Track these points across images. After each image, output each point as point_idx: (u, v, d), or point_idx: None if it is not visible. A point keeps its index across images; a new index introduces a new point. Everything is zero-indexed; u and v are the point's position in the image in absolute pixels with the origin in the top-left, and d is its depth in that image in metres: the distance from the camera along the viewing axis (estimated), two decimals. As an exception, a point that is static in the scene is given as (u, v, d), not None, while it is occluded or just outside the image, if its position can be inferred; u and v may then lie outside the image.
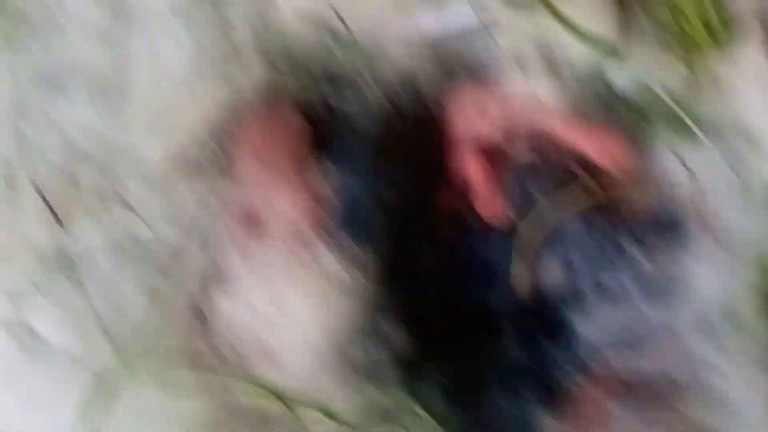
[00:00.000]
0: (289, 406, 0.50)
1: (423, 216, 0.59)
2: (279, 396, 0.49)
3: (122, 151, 0.56)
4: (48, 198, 0.55)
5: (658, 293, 0.56)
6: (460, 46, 0.59)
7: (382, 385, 0.55)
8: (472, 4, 0.58)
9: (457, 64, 0.59)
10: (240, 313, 0.55)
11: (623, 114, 0.58)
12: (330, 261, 0.56)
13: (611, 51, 0.53)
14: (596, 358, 0.57)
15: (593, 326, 0.57)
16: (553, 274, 0.58)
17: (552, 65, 0.57)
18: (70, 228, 0.55)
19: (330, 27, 0.57)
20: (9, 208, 0.55)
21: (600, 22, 0.55)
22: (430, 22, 0.58)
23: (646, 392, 0.56)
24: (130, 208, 0.55)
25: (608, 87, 0.58)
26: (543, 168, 0.58)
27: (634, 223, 0.57)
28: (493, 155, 0.59)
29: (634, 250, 0.56)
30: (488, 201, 0.58)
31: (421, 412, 0.53)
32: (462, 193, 0.59)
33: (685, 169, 0.54)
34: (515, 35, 0.57)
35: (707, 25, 0.56)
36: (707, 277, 0.55)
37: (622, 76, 0.57)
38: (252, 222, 0.57)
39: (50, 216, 0.55)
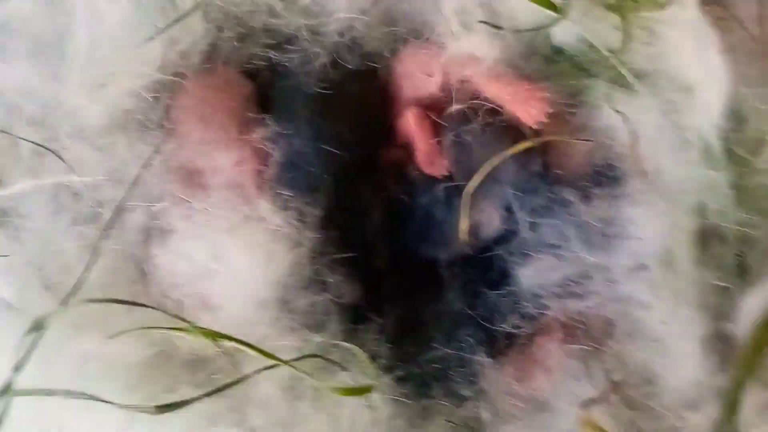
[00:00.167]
0: (222, 346, 0.48)
1: (366, 170, 0.59)
2: (214, 335, 0.47)
3: (61, 109, 0.55)
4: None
5: (596, 239, 0.55)
6: (403, 4, 0.58)
7: (324, 332, 0.53)
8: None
9: (401, 22, 0.59)
10: (180, 266, 0.54)
11: (562, 67, 0.57)
12: (271, 214, 0.55)
13: (553, 8, 0.53)
14: (536, 304, 0.57)
15: (533, 273, 0.57)
16: (493, 224, 0.57)
17: (493, 22, 0.56)
18: (7, 185, 0.53)
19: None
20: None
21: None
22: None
23: (585, 334, 0.56)
24: (69, 166, 0.53)
25: (548, 41, 0.57)
26: (480, 122, 0.57)
27: (573, 171, 0.57)
28: (434, 111, 0.59)
29: (572, 198, 0.56)
30: (429, 156, 0.58)
31: (363, 356, 0.51)
32: (404, 147, 0.59)
33: (623, 118, 0.54)
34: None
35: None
36: (644, 223, 0.55)
37: (562, 31, 0.56)
38: (193, 178, 0.56)
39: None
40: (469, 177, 0.57)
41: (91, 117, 0.56)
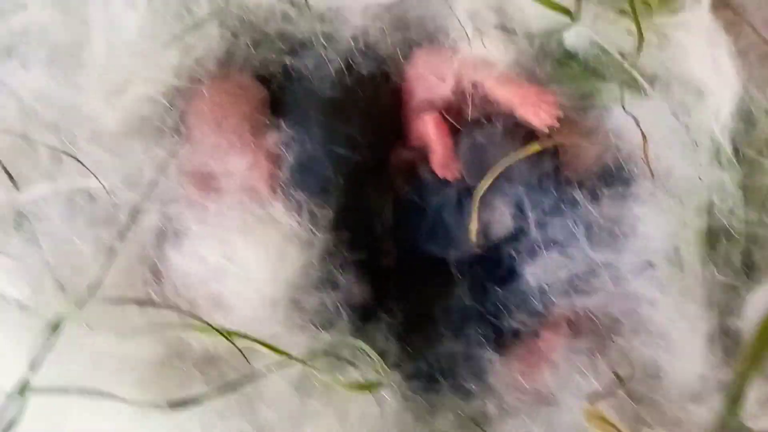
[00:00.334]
0: (235, 343, 0.48)
1: (378, 171, 0.59)
2: (226, 334, 0.47)
3: (78, 115, 0.55)
4: (4, 160, 0.53)
5: (604, 238, 0.55)
6: (416, 8, 0.58)
7: (335, 329, 0.53)
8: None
9: (414, 26, 0.59)
10: (194, 267, 0.54)
11: (574, 70, 0.57)
12: (283, 215, 0.55)
13: (566, 12, 0.53)
14: (544, 300, 0.57)
15: (541, 271, 0.56)
16: (503, 222, 0.57)
17: (506, 26, 0.56)
18: (25, 189, 0.53)
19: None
20: (-34, 171, 0.54)
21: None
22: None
23: (591, 330, 0.55)
24: (89, 170, 0.54)
25: (560, 45, 0.57)
26: (492, 125, 0.57)
27: (583, 172, 0.57)
28: (447, 114, 0.59)
29: (581, 198, 0.55)
30: (444, 159, 0.58)
31: (372, 353, 0.51)
32: (416, 149, 0.59)
33: (633, 120, 0.53)
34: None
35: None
36: (652, 221, 0.55)
37: (574, 35, 0.56)
38: (206, 181, 0.56)
39: (5, 177, 0.53)
40: (479, 178, 0.57)
41: (108, 122, 0.56)
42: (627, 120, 0.56)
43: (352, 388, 0.50)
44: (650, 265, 0.54)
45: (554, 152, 0.58)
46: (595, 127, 0.58)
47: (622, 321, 0.55)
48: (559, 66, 0.59)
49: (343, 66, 0.59)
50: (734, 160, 0.55)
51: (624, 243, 0.55)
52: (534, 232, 0.57)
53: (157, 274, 0.55)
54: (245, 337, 0.49)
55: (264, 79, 0.60)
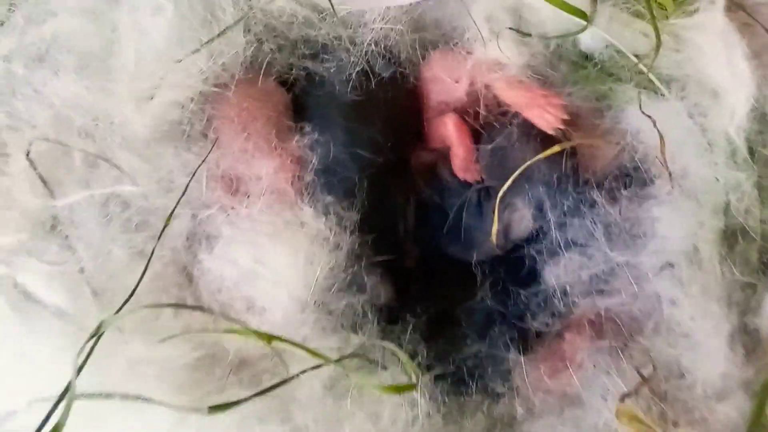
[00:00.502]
0: (273, 347, 0.48)
1: (400, 174, 0.59)
2: (260, 335, 0.48)
3: (110, 121, 0.55)
4: (39, 167, 0.53)
5: (624, 238, 0.56)
6: (434, 10, 0.58)
7: (362, 331, 0.54)
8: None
9: (431, 28, 0.59)
10: (225, 270, 0.54)
11: (589, 72, 0.57)
12: (311, 218, 0.55)
13: (581, 15, 0.53)
14: (565, 301, 0.57)
15: (562, 271, 0.57)
16: (524, 224, 0.57)
17: (522, 29, 0.56)
18: (60, 195, 0.54)
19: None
20: (2, 177, 0.54)
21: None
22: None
23: (614, 330, 0.56)
24: (118, 175, 0.54)
25: (576, 47, 0.57)
26: (510, 126, 0.57)
27: (601, 173, 0.57)
28: (465, 115, 0.59)
29: (600, 199, 0.56)
30: (466, 162, 0.58)
31: (401, 354, 0.52)
32: (436, 150, 0.59)
33: (651, 121, 0.54)
34: (487, 0, 0.57)
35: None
36: (670, 222, 0.55)
37: (590, 37, 0.56)
38: (235, 185, 0.56)
39: (41, 184, 0.53)
40: (499, 179, 0.57)
41: (138, 128, 0.56)
42: (643, 121, 0.56)
43: (388, 390, 0.50)
44: (670, 264, 0.54)
45: (572, 153, 0.57)
46: (611, 128, 0.58)
47: (643, 321, 0.55)
48: (575, 68, 0.59)
49: (364, 69, 0.59)
50: (750, 160, 0.55)
51: (643, 243, 0.55)
52: (554, 233, 0.57)
53: (189, 277, 0.55)
54: (283, 340, 0.48)
55: (288, 83, 0.60)
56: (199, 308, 0.51)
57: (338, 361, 0.50)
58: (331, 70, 0.59)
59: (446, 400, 0.55)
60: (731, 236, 0.55)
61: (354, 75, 0.58)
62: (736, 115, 0.55)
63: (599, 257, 0.56)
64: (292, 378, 0.49)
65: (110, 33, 0.56)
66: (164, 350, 0.50)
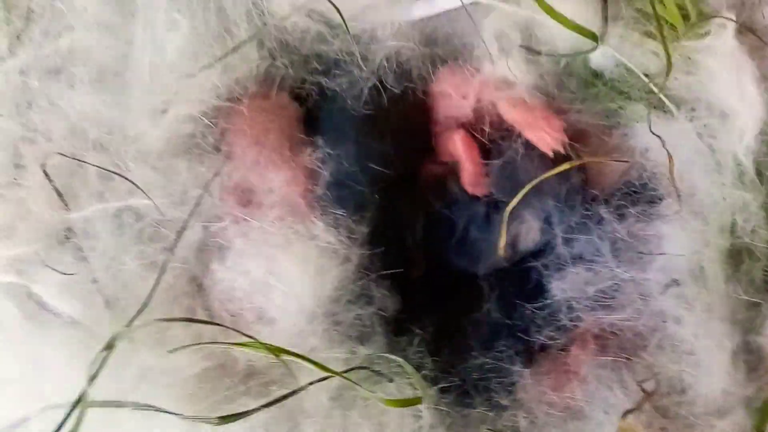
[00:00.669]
0: (282, 360, 0.49)
1: (409, 187, 0.59)
2: (276, 351, 0.48)
3: (125, 134, 0.56)
4: (54, 179, 0.54)
5: (630, 255, 0.56)
6: (444, 27, 0.59)
7: (369, 344, 0.54)
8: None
9: (441, 44, 0.59)
10: (236, 280, 0.54)
11: (599, 90, 0.57)
12: (322, 231, 0.55)
13: (591, 35, 0.53)
14: (570, 316, 0.57)
15: (568, 286, 0.57)
16: (530, 237, 0.57)
17: (532, 46, 0.57)
18: (75, 207, 0.54)
19: (322, 13, 0.57)
20: (17, 189, 0.55)
21: (581, 7, 0.55)
22: (417, 4, 0.58)
23: (618, 346, 0.56)
24: (132, 187, 0.54)
25: (586, 65, 0.57)
26: (519, 143, 0.58)
27: (609, 189, 0.57)
28: (473, 131, 0.59)
29: (607, 215, 0.56)
30: (474, 177, 0.58)
31: (407, 366, 0.52)
32: (446, 165, 0.59)
33: (660, 140, 0.54)
34: (498, 17, 0.57)
35: (685, 15, 0.56)
36: (677, 240, 0.55)
37: (600, 56, 0.56)
38: (247, 197, 0.56)
39: (56, 196, 0.54)
40: (507, 193, 0.57)
41: (153, 141, 0.56)
42: (652, 140, 0.56)
43: (394, 404, 0.50)
44: (675, 282, 0.54)
45: (580, 168, 0.57)
46: (620, 146, 0.58)
47: (648, 337, 0.55)
48: (585, 85, 0.59)
49: (375, 84, 0.59)
50: (757, 181, 0.56)
51: (649, 260, 0.55)
52: (561, 248, 0.57)
53: (200, 288, 0.55)
54: (291, 353, 0.49)
55: (300, 98, 0.60)
56: (211, 323, 0.50)
57: (344, 373, 0.50)
58: (343, 85, 0.59)
59: (450, 411, 0.55)
60: (737, 256, 0.55)
61: (366, 90, 0.58)
62: (744, 137, 0.55)
63: (605, 273, 0.56)
64: (301, 389, 0.49)
65: (126, 47, 0.56)
66: (175, 360, 0.50)
